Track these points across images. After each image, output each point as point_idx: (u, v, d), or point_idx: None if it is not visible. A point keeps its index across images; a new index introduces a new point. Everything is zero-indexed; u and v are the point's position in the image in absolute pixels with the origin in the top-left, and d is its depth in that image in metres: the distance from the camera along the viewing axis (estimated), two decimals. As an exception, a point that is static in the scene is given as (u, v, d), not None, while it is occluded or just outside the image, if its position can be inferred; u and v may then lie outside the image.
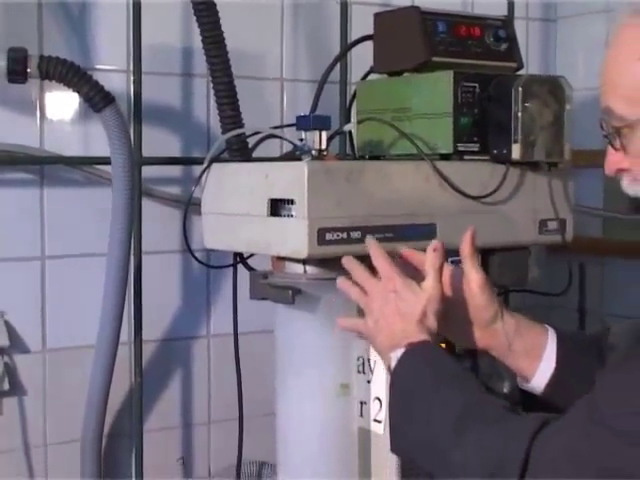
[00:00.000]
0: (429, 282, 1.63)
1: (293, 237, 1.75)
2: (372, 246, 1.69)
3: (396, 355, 1.58)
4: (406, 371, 1.58)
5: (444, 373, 1.57)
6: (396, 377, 1.58)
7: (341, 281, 1.67)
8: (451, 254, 1.90)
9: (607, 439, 1.31)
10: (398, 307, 1.61)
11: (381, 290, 1.63)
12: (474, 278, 1.70)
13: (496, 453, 1.40)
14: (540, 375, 1.74)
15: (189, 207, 2.05)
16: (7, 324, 2.25)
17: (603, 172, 2.56)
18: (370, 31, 2.08)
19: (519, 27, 2.13)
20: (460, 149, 1.94)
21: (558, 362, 1.73)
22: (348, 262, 1.68)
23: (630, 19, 1.45)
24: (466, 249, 1.70)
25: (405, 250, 1.75)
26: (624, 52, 1.44)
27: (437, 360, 1.59)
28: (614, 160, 1.51)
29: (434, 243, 1.68)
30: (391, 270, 1.64)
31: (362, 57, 2.15)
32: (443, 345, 1.74)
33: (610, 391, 1.36)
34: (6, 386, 2.25)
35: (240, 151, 1.97)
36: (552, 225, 2.05)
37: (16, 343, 2.27)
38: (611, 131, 1.47)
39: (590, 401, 1.38)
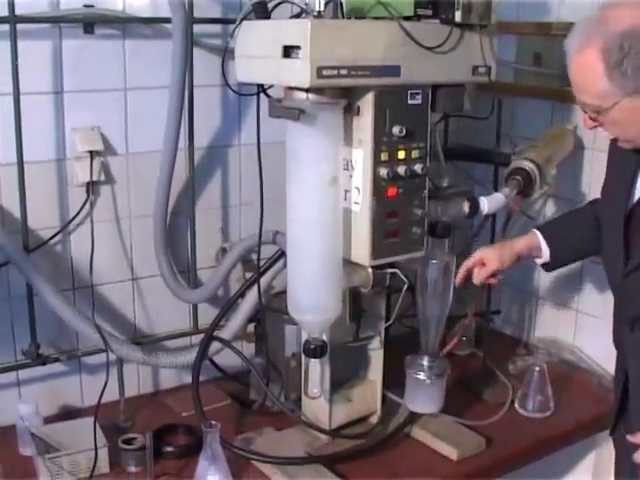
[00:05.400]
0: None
1: (299, 72, 1.69)
2: None
3: None
4: None
5: None
6: None
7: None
8: (411, 87, 1.85)
9: None
10: None
11: None
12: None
13: None
14: (545, 254, 2.08)
15: (226, 53, 1.97)
16: (102, 135, 2.19)
17: (515, 37, 2.51)
18: None
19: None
20: (419, 13, 1.85)
21: (549, 245, 2.07)
22: None
23: (588, 46, 1.55)
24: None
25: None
26: (588, 73, 1.56)
27: None
28: (590, 123, 1.66)
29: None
30: None
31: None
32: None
33: None
34: (102, 177, 2.21)
35: (262, 12, 1.86)
36: (481, 70, 1.98)
37: (108, 148, 2.22)
38: (588, 112, 1.65)
39: None
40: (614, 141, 1.72)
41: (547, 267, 2.14)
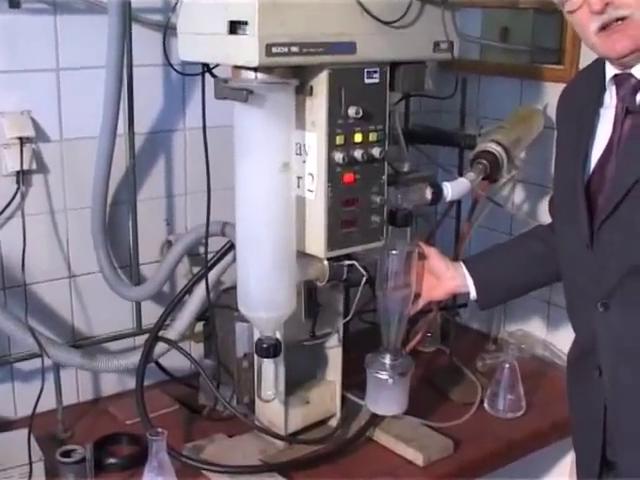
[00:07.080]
0: None
1: (247, 50, 1.66)
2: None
3: None
4: None
5: None
6: None
7: None
8: (367, 65, 1.83)
9: None
10: None
11: None
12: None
13: None
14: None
15: (167, 29, 1.93)
16: (33, 120, 2.15)
17: (481, 10, 2.52)
18: None
19: None
20: (376, -16, 1.83)
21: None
22: None
23: None
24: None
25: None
26: None
27: None
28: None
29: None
30: None
31: None
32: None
33: None
34: (34, 166, 2.18)
35: (206, -16, 1.84)
36: (443, 45, 1.95)
37: (40, 134, 2.18)
38: None
39: None
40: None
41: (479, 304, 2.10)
